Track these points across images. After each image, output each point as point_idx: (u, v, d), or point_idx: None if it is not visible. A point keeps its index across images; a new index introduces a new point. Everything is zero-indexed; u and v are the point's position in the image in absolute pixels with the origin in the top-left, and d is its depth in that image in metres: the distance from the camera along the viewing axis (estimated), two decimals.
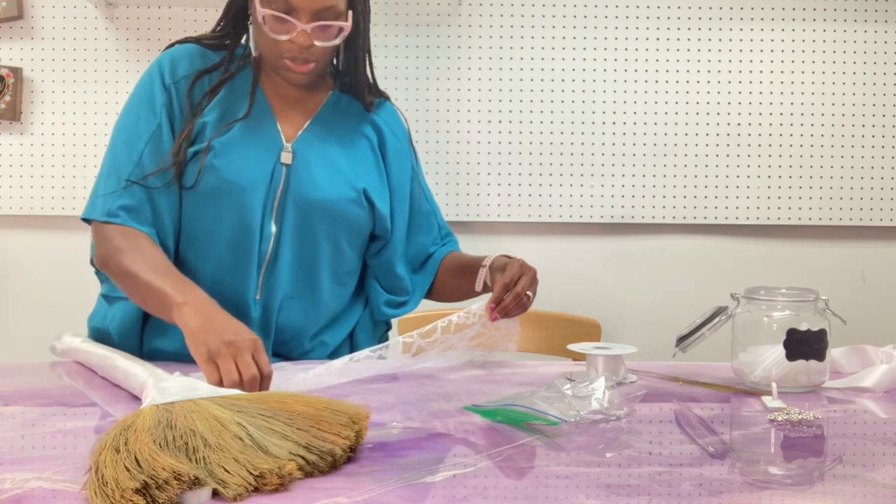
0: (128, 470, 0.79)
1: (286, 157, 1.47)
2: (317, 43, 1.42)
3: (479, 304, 1.37)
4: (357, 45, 1.51)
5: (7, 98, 2.36)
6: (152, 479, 0.77)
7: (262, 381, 1.15)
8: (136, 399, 1.14)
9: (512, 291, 1.36)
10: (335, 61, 1.59)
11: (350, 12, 1.44)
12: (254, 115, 1.49)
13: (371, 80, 1.58)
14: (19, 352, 2.32)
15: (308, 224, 1.47)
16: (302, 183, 1.46)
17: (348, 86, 1.57)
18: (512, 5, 2.41)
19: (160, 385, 1.10)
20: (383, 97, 1.63)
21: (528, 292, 1.36)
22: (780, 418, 1.13)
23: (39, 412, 1.11)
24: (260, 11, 1.40)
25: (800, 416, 1.13)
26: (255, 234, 1.45)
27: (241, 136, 1.46)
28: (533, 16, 2.41)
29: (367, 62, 1.55)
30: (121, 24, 2.38)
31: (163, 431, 0.88)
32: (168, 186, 1.43)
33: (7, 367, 1.41)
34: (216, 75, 1.50)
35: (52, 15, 2.38)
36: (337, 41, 1.44)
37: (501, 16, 2.41)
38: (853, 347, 1.43)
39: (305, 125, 1.52)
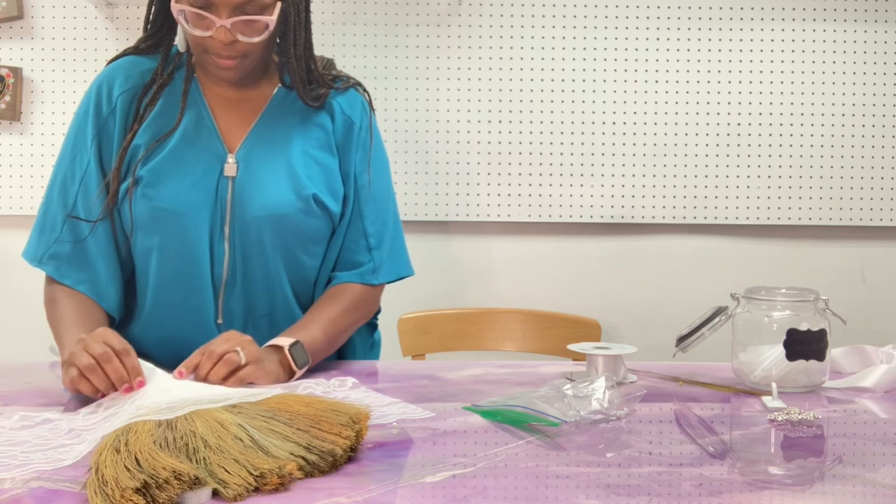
0: (128, 469, 0.79)
1: (230, 170, 1.38)
2: (240, 38, 1.31)
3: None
4: (289, 40, 1.39)
5: (7, 98, 2.36)
6: (152, 478, 0.77)
7: (120, 356, 1.13)
8: None
9: (207, 352, 1.22)
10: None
11: (278, 4, 1.33)
12: (192, 124, 1.40)
13: (314, 75, 1.44)
14: (19, 352, 2.32)
15: (258, 240, 1.39)
16: (246, 197, 1.37)
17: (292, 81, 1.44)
18: (512, 5, 2.41)
19: (161, 386, 1.10)
20: (346, 85, 1.50)
21: (237, 349, 1.21)
22: (780, 418, 1.13)
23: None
24: (175, 7, 1.31)
25: (800, 416, 1.13)
26: (205, 259, 1.37)
27: (175, 154, 1.38)
28: (533, 16, 2.41)
29: (307, 56, 1.42)
30: (121, 24, 2.38)
31: (163, 433, 0.89)
32: (96, 230, 1.38)
33: (7, 367, 1.41)
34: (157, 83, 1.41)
35: (52, 15, 2.38)
36: (263, 36, 1.33)
37: (501, 16, 2.41)
38: (853, 347, 1.43)
39: (250, 129, 1.42)
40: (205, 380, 1.18)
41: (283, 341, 1.30)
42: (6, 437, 0.97)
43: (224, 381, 1.19)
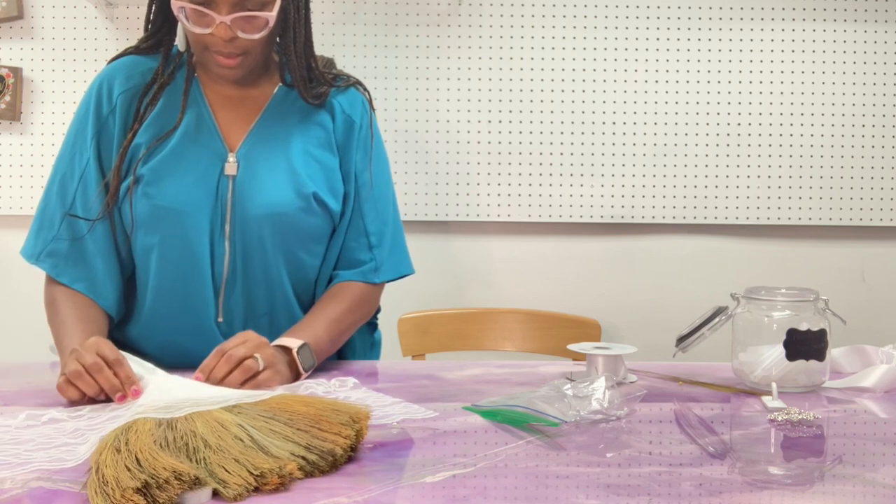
0: (128, 469, 0.79)
1: (230, 169, 1.38)
2: (241, 35, 1.32)
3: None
4: (289, 37, 1.39)
5: (7, 98, 2.36)
6: (153, 478, 0.77)
7: (113, 367, 1.13)
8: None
9: (224, 355, 1.21)
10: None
11: (278, 1, 1.33)
12: (193, 123, 1.40)
13: (315, 73, 1.44)
14: (19, 352, 2.32)
15: (259, 239, 1.39)
16: (246, 196, 1.38)
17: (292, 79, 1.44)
18: (512, 5, 2.41)
19: (161, 386, 1.10)
20: (346, 84, 1.50)
21: (255, 355, 1.21)
22: (780, 418, 1.13)
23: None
24: (176, 4, 1.30)
25: (800, 416, 1.13)
26: (205, 257, 1.37)
27: (176, 152, 1.38)
28: (533, 16, 2.41)
29: (308, 54, 1.42)
30: (121, 24, 2.39)
31: (163, 432, 0.88)
32: (95, 228, 1.38)
33: (7, 367, 1.41)
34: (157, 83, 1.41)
35: (52, 15, 2.38)
36: (264, 33, 1.33)
37: (501, 16, 2.41)
38: (853, 347, 1.43)
39: (250, 128, 1.42)
40: (220, 383, 1.17)
41: (291, 343, 1.30)
42: (11, 436, 0.97)
43: (241, 386, 1.18)
